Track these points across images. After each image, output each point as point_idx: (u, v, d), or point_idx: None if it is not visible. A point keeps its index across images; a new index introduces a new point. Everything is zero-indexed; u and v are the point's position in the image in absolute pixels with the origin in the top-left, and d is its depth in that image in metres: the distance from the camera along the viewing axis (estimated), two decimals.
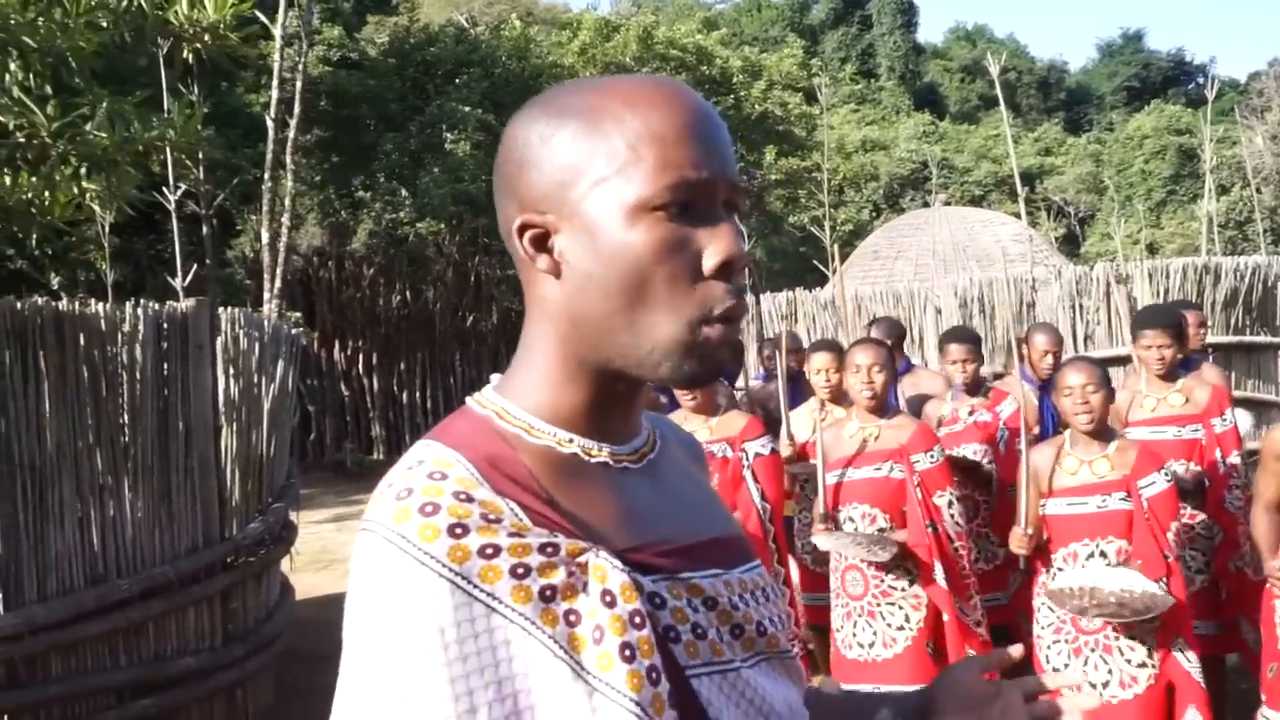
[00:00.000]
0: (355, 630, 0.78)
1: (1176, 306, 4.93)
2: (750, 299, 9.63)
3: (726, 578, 0.90)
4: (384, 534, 0.78)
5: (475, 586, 0.76)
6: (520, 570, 0.78)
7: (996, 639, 3.94)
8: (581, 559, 0.80)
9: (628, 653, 0.77)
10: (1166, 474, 3.19)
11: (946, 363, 4.46)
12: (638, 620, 0.79)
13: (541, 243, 0.85)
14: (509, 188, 0.88)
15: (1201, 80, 41.56)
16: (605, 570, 0.80)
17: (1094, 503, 3.16)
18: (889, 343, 4.15)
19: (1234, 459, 3.88)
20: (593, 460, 0.88)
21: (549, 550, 0.79)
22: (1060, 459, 3.25)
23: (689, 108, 0.84)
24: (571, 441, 0.87)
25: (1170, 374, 3.97)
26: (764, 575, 0.96)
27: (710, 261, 0.83)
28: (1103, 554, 3.13)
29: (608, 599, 0.79)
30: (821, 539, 3.50)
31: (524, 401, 0.89)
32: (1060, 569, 3.20)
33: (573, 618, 0.78)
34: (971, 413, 4.40)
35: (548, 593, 0.78)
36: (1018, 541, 3.22)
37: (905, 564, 3.48)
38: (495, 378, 0.95)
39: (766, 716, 0.87)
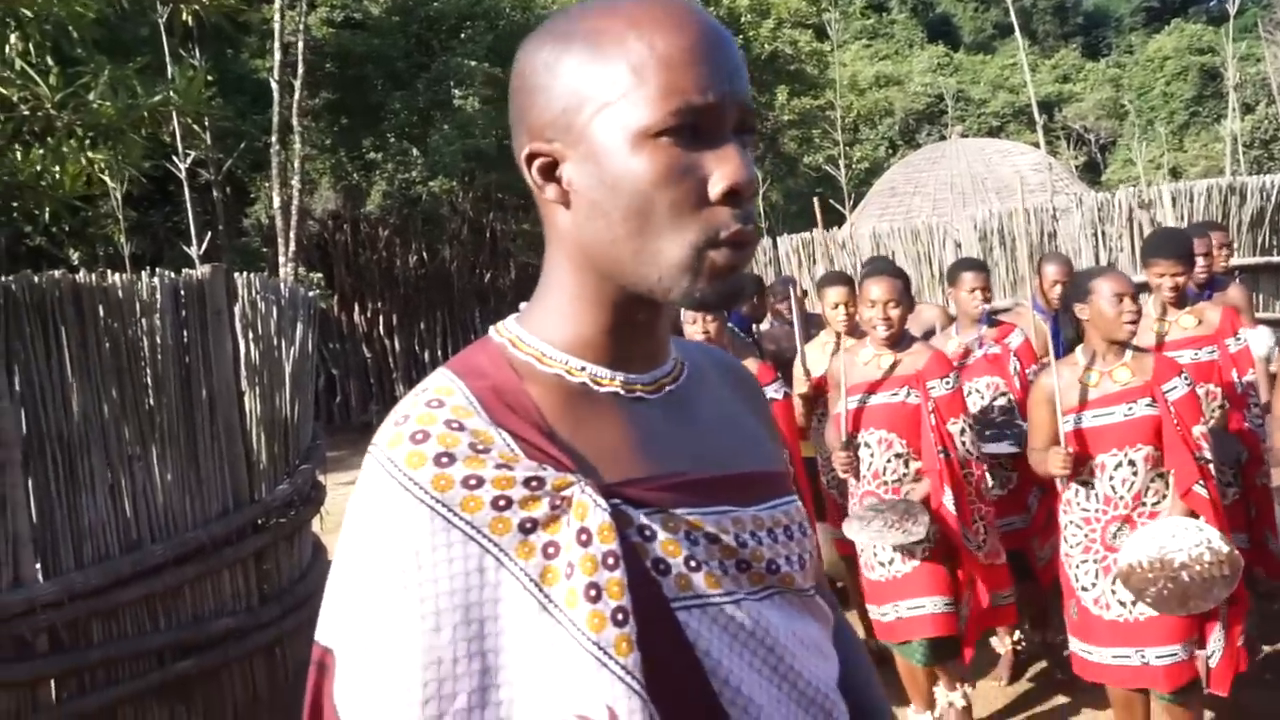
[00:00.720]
0: (346, 543, 0.83)
1: (1196, 229, 4.85)
2: (767, 241, 9.56)
3: (737, 514, 0.89)
4: (378, 457, 0.82)
5: (455, 514, 0.78)
6: (502, 502, 0.79)
7: (1019, 562, 3.97)
8: (566, 493, 0.81)
9: (593, 592, 0.78)
10: (1186, 379, 3.16)
11: (962, 291, 4.38)
12: (610, 561, 0.79)
13: (549, 171, 0.85)
14: (519, 117, 0.87)
15: None
16: (587, 507, 0.80)
17: (1120, 411, 3.12)
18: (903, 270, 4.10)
19: (1250, 377, 3.86)
20: (602, 389, 0.88)
21: (534, 484, 0.81)
22: (1081, 374, 3.22)
23: (696, 28, 0.82)
24: (583, 370, 0.88)
25: (1180, 301, 3.92)
26: (792, 512, 0.95)
27: (716, 188, 0.81)
28: (1130, 463, 3.09)
29: (583, 537, 0.80)
30: (852, 530, 3.48)
31: (539, 330, 0.89)
32: (1086, 483, 3.17)
33: (551, 550, 0.80)
34: (982, 344, 4.37)
35: (528, 525, 0.80)
36: (1060, 461, 3.12)
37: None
38: (524, 306, 0.96)
39: (770, 648, 0.87)
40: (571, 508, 0.81)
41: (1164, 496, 3.10)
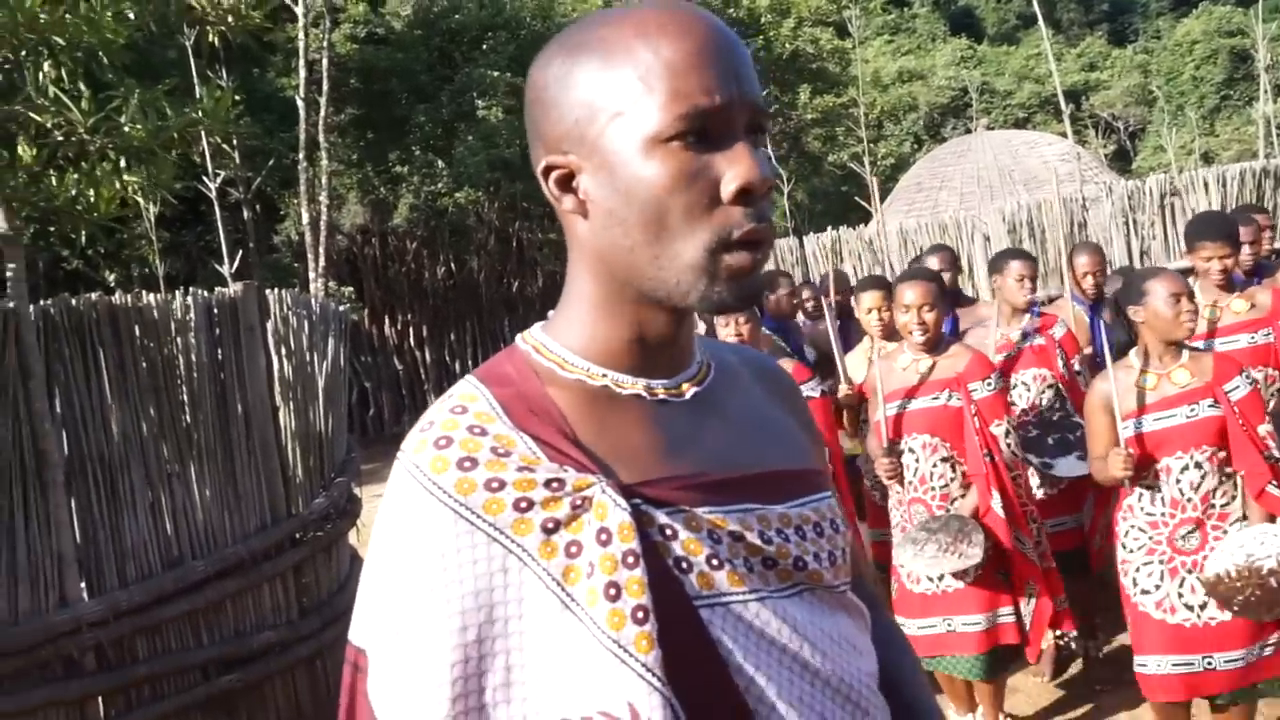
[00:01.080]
0: (375, 548, 0.85)
1: (1238, 213, 4.76)
2: (793, 241, 9.52)
3: (763, 512, 0.90)
4: (405, 463, 0.85)
5: (478, 517, 0.81)
6: (523, 503, 0.81)
7: (1069, 564, 3.90)
8: (587, 493, 0.83)
9: (613, 591, 0.79)
10: (1247, 377, 3.09)
11: (1010, 279, 4.31)
12: (630, 560, 0.81)
13: (566, 183, 0.87)
14: (535, 131, 0.89)
15: None
16: (606, 507, 0.82)
17: (1182, 413, 3.05)
18: (943, 273, 4.04)
19: None
20: (624, 393, 0.89)
21: (554, 485, 0.82)
22: (1136, 378, 3.15)
23: (701, 32, 0.83)
24: (604, 376, 0.89)
25: (1229, 285, 3.85)
26: (825, 509, 0.95)
27: (728, 188, 0.82)
28: (1197, 465, 3.03)
29: (603, 536, 0.81)
30: (905, 556, 3.40)
31: (562, 337, 0.91)
32: (1152, 486, 3.10)
33: (574, 549, 0.81)
34: (1025, 337, 4.31)
35: (549, 525, 0.81)
36: (1121, 464, 3.04)
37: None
38: (551, 314, 0.98)
39: (798, 646, 0.87)
40: (592, 507, 0.82)
41: (1233, 498, 3.04)
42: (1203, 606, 3.00)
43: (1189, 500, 3.04)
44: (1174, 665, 3.04)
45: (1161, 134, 19.67)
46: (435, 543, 0.80)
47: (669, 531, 0.84)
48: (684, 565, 0.84)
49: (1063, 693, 4.05)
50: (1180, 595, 3.03)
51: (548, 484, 0.82)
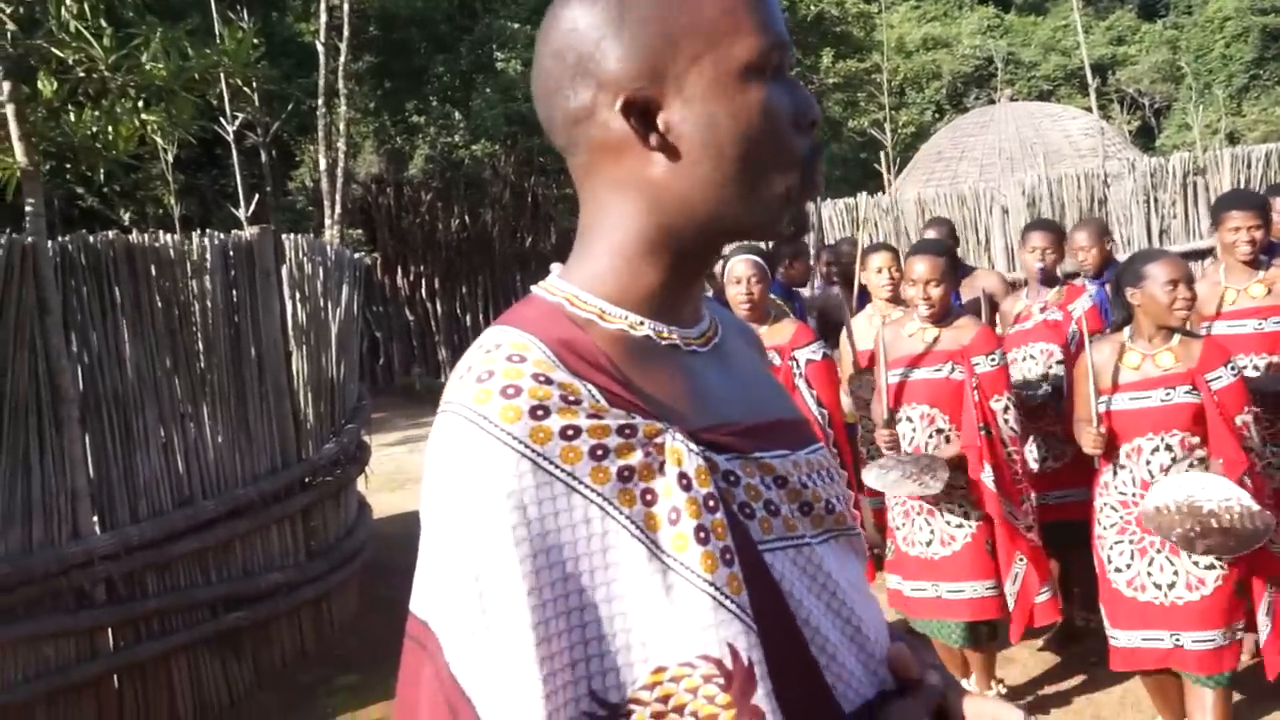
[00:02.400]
0: (438, 506, 0.80)
1: (1269, 191, 4.72)
2: (810, 206, 9.47)
3: (794, 458, 0.92)
4: (466, 414, 0.80)
5: (556, 466, 0.78)
6: (600, 451, 0.80)
7: (1075, 535, 3.91)
8: (659, 440, 0.82)
9: (702, 534, 0.79)
10: (1233, 367, 3.10)
11: (1025, 251, 4.34)
12: (711, 503, 0.80)
13: (647, 119, 0.85)
14: (582, 73, 0.86)
15: None
16: (682, 453, 0.82)
17: (1158, 396, 3.09)
18: (949, 245, 4.03)
19: None
20: (664, 343, 0.89)
21: (627, 431, 0.81)
22: (1123, 355, 3.18)
23: None
24: (644, 324, 0.89)
25: (1255, 261, 3.81)
26: (827, 457, 0.98)
27: (806, 117, 0.87)
28: (1167, 448, 3.07)
29: (684, 482, 0.81)
30: (870, 477, 3.46)
31: (594, 287, 0.89)
32: (1123, 466, 3.15)
33: (649, 497, 0.80)
34: (1044, 309, 4.30)
35: (626, 473, 0.80)
36: (1091, 441, 3.15)
37: (962, 466, 3.47)
38: (556, 267, 0.96)
39: (833, 593, 0.89)
40: (666, 454, 0.82)
41: None
42: (1170, 586, 3.04)
43: (1158, 482, 3.07)
44: (1143, 640, 3.10)
45: (1188, 111, 19.43)
46: (516, 494, 0.77)
47: (731, 478, 0.85)
48: (747, 510, 0.85)
49: (1057, 661, 4.09)
50: (1149, 574, 3.08)
51: (620, 430, 0.81)
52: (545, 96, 0.90)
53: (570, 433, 0.79)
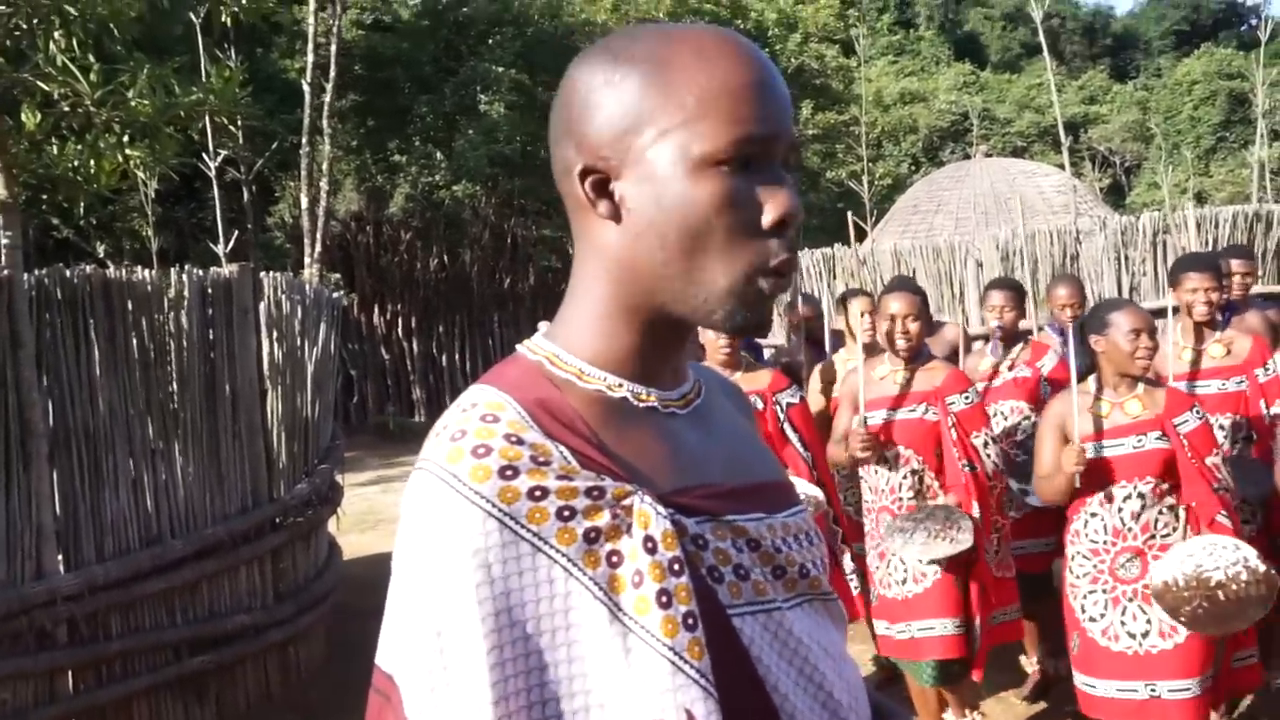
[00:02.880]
0: (406, 562, 0.82)
1: (1226, 252, 4.81)
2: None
3: (770, 521, 0.92)
4: (438, 472, 0.81)
5: (523, 526, 0.79)
6: (566, 512, 0.81)
7: (1036, 588, 3.94)
8: (627, 502, 0.83)
9: (664, 599, 0.80)
10: (1198, 411, 3.15)
11: (985, 309, 4.42)
12: (676, 567, 0.81)
13: (602, 188, 0.87)
14: (568, 131, 0.88)
15: (1254, 22, 40.21)
16: (649, 516, 0.82)
17: (1130, 443, 3.12)
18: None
19: (1277, 408, 3.81)
20: (642, 405, 0.90)
21: (595, 493, 0.82)
22: (1091, 404, 3.21)
23: (755, 62, 0.86)
24: (621, 386, 0.89)
25: (1212, 321, 3.88)
26: (807, 520, 0.98)
27: (768, 217, 0.85)
28: (1139, 495, 3.09)
29: (649, 545, 0.81)
30: (897, 545, 3.42)
31: (574, 347, 0.90)
32: (1095, 513, 3.16)
33: (615, 559, 0.81)
34: (1012, 368, 4.35)
35: (592, 534, 0.81)
36: (1074, 458, 3.08)
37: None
38: (544, 326, 0.98)
39: (804, 658, 0.89)
40: (633, 516, 0.82)
41: (1174, 529, 3.09)
42: (1144, 635, 3.05)
43: (1129, 529, 3.10)
44: (1118, 690, 3.10)
45: (1157, 171, 19.84)
46: (481, 553, 0.78)
47: (700, 541, 0.85)
48: (716, 574, 0.85)
49: (1036, 710, 4.08)
50: (1123, 624, 3.09)
51: (588, 492, 0.82)
52: (551, 145, 0.92)
53: (538, 493, 0.80)
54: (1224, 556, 2.91)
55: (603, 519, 0.82)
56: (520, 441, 0.82)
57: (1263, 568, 2.89)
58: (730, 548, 0.87)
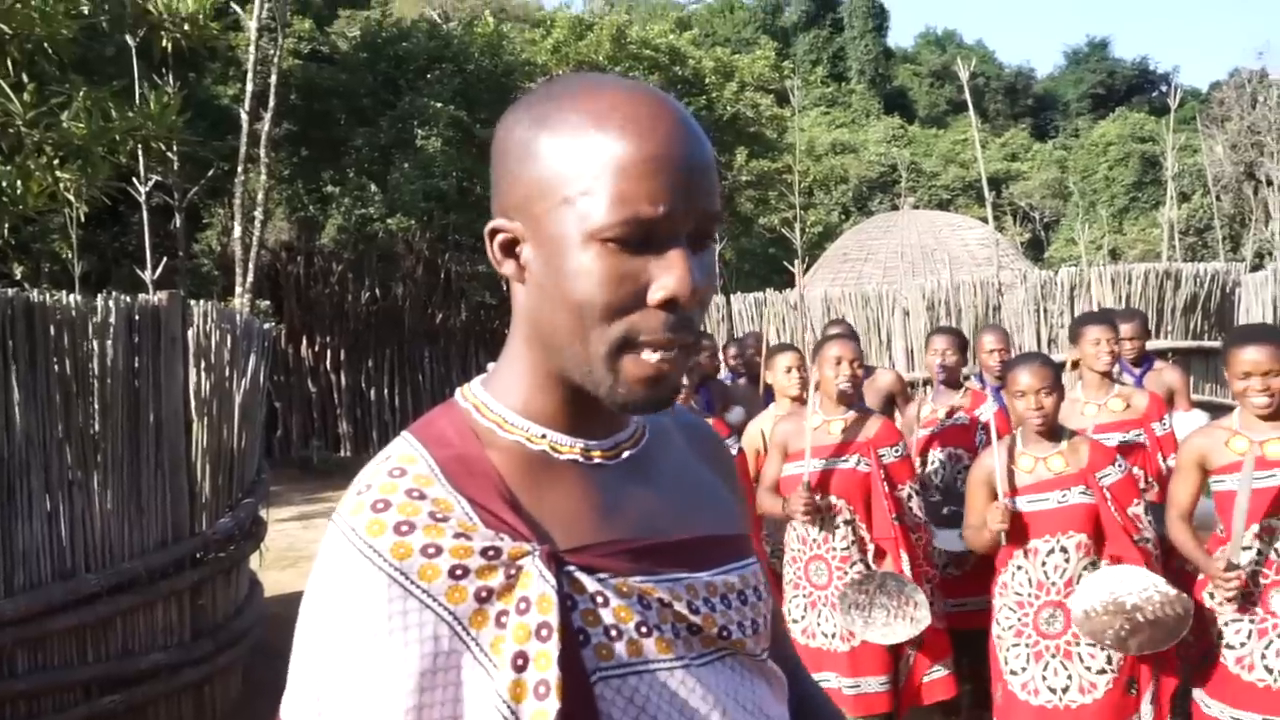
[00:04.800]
0: (306, 616, 0.83)
1: (1119, 314, 5.04)
2: (720, 299, 9.67)
3: (691, 581, 0.91)
4: (341, 526, 0.83)
5: (413, 583, 0.79)
6: (459, 571, 0.81)
7: (970, 646, 3.99)
8: (521, 561, 0.83)
9: (520, 661, 0.79)
10: (1120, 465, 3.26)
11: (929, 354, 4.54)
12: (544, 633, 0.80)
13: (510, 249, 0.88)
14: (494, 188, 0.90)
15: (1165, 89, 42.17)
16: (531, 576, 0.82)
17: (1054, 498, 3.20)
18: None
19: (1172, 461, 3.97)
20: (563, 457, 0.90)
21: (490, 553, 0.82)
22: (1015, 459, 3.30)
23: (665, 132, 0.83)
24: (543, 438, 0.90)
25: (1110, 375, 4.04)
26: (749, 576, 0.96)
27: (655, 295, 0.83)
28: (1063, 549, 3.17)
29: (522, 605, 0.81)
30: (856, 626, 3.42)
31: (502, 396, 0.91)
32: (1020, 567, 3.24)
33: (503, 618, 0.81)
34: (951, 414, 4.45)
35: (484, 594, 0.81)
36: (998, 516, 3.15)
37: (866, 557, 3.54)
38: (491, 367, 0.98)
39: (716, 716, 0.88)
40: (520, 575, 0.82)
41: None
42: (1064, 690, 3.12)
43: (1053, 584, 3.18)
44: None
45: (1074, 228, 20.61)
46: (370, 608, 0.79)
47: (600, 598, 0.84)
48: (614, 633, 0.84)
49: None
50: (1044, 678, 3.16)
51: (484, 552, 0.82)
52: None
53: (431, 550, 0.80)
54: (1135, 582, 3.03)
55: (496, 578, 0.81)
56: (422, 496, 0.83)
57: (1172, 591, 3.00)
58: (634, 605, 0.86)
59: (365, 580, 0.79)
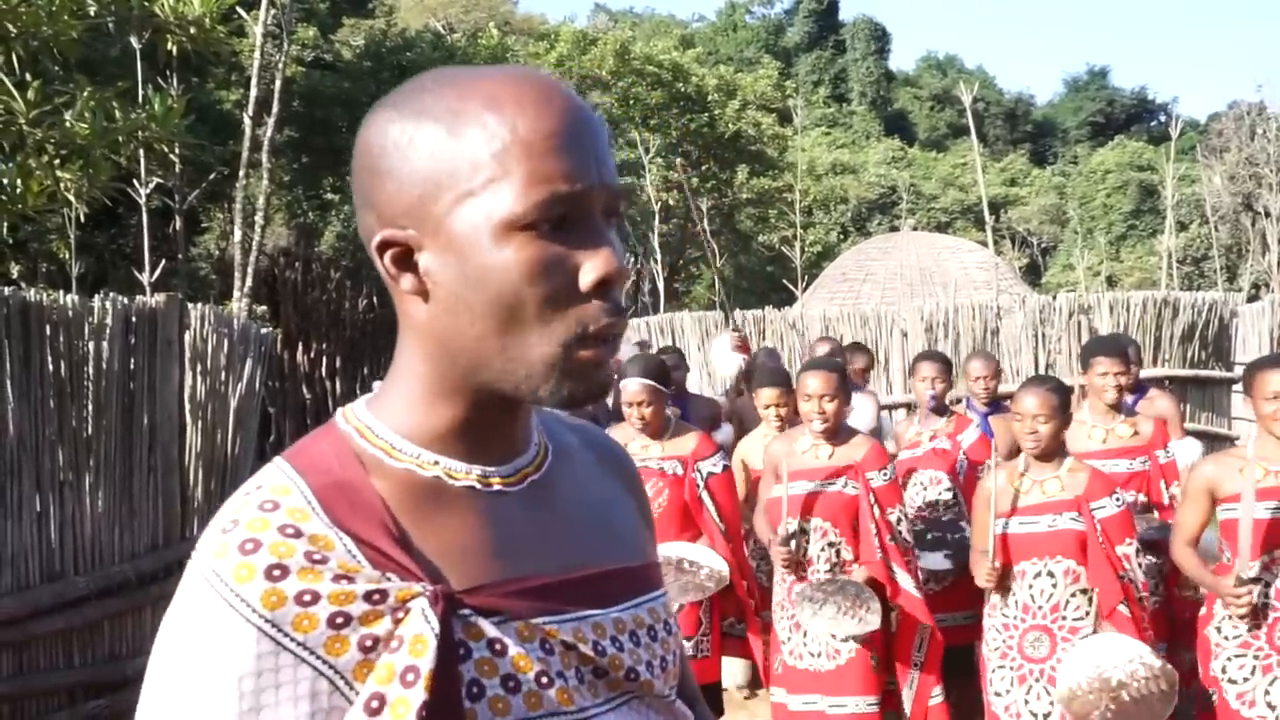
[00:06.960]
0: (156, 666, 0.74)
1: (1127, 339, 5.05)
2: (719, 315, 9.68)
3: (597, 619, 0.84)
4: (203, 569, 0.74)
5: (286, 635, 0.71)
6: (340, 619, 0.72)
7: (957, 662, 3.99)
8: (411, 604, 0.74)
9: (375, 704, 0.72)
10: (1118, 499, 3.24)
11: (916, 380, 4.54)
12: (409, 678, 0.72)
13: (404, 260, 0.78)
14: (366, 200, 0.80)
15: (1164, 118, 42.50)
16: (413, 617, 0.74)
17: (1044, 522, 3.19)
18: (840, 363, 4.17)
19: (1175, 489, 3.97)
20: (457, 484, 0.82)
21: (375, 597, 0.74)
22: (1016, 480, 3.30)
23: (560, 108, 0.76)
24: (436, 464, 0.82)
25: (1118, 404, 4.05)
26: (659, 609, 0.91)
27: (587, 279, 0.76)
28: (1049, 574, 3.16)
29: (395, 644, 0.73)
30: (805, 616, 3.44)
31: (390, 420, 0.83)
32: (1008, 588, 3.23)
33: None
34: (933, 438, 4.45)
35: (368, 643, 0.73)
36: (984, 574, 3.20)
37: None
38: (377, 385, 0.90)
39: None
40: (407, 618, 0.74)
41: (1086, 613, 3.15)
42: (1046, 716, 3.10)
43: (1039, 608, 3.17)
44: None
45: (1072, 254, 20.70)
46: (233, 666, 0.70)
47: (498, 646, 0.77)
48: (511, 684, 0.76)
49: None
50: (1026, 702, 3.15)
51: (368, 596, 0.73)
52: (356, 212, 0.84)
53: (308, 597, 0.72)
54: (1120, 654, 2.97)
55: (382, 625, 0.73)
56: (298, 534, 0.74)
57: (1157, 663, 2.96)
58: (535, 652, 0.78)
59: (231, 634, 0.70)
